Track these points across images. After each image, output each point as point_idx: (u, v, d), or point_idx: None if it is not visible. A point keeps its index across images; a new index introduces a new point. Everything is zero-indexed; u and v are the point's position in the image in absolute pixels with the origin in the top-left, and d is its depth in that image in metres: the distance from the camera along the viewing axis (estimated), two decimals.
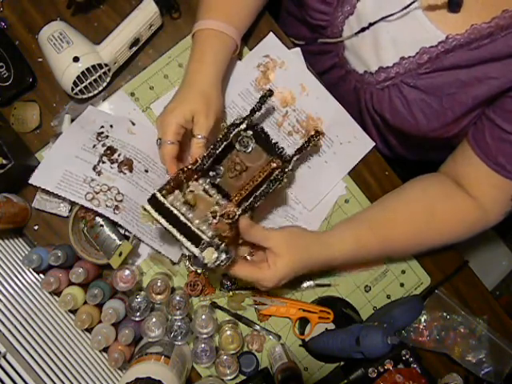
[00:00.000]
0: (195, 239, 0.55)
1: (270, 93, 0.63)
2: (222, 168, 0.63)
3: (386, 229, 0.66)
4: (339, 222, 0.71)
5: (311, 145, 0.64)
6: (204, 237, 0.55)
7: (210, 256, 0.53)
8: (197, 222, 0.56)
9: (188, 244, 0.55)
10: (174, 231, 0.55)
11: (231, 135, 0.60)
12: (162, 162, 0.64)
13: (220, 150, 0.59)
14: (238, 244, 0.63)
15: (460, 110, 0.60)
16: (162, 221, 0.55)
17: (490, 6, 0.54)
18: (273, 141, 0.64)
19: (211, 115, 0.62)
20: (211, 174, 0.62)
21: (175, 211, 0.55)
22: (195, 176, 0.60)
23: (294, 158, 0.62)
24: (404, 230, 0.67)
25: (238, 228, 0.58)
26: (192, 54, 0.65)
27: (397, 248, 0.69)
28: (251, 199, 0.59)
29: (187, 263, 0.72)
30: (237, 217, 0.56)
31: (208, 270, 0.55)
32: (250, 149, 0.63)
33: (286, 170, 0.60)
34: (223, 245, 0.53)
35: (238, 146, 0.63)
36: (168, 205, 0.55)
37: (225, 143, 0.59)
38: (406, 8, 0.57)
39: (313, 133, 0.64)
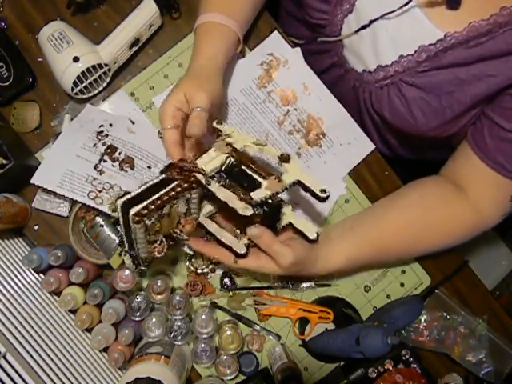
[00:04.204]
0: (130, 243, 0.56)
1: (324, 198, 0.54)
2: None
3: (380, 244, 0.66)
4: (336, 231, 0.68)
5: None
6: (135, 253, 0.57)
7: (128, 262, 0.58)
8: (141, 245, 0.55)
9: (125, 239, 0.56)
10: (122, 230, 0.55)
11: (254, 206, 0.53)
12: (167, 153, 0.62)
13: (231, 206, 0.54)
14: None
15: (459, 109, 0.60)
16: (120, 220, 0.54)
17: (488, 4, 0.54)
18: (276, 223, 0.59)
19: (203, 89, 0.59)
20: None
21: (132, 231, 0.53)
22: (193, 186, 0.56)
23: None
24: (399, 239, 0.67)
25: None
26: (193, 48, 0.65)
27: (392, 257, 0.70)
28: (210, 231, 0.59)
29: (187, 263, 0.72)
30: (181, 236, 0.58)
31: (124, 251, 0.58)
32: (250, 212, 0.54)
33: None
34: (142, 266, 0.58)
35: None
36: (132, 225, 0.52)
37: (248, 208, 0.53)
38: (405, 5, 0.57)
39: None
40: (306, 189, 0.55)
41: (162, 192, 0.53)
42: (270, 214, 0.57)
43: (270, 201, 0.54)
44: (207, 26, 0.64)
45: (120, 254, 0.58)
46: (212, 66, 0.62)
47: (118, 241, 0.66)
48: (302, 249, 0.59)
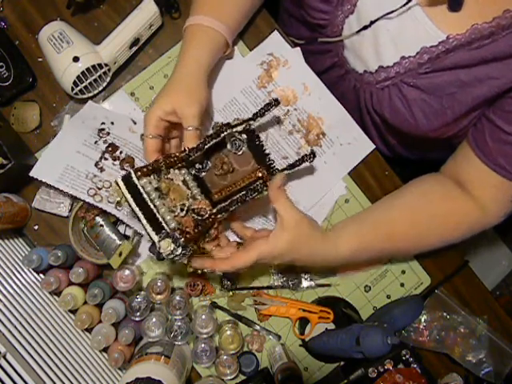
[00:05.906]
0: (158, 227, 0.55)
1: (277, 102, 0.61)
2: (209, 163, 0.62)
3: (389, 229, 0.66)
4: (342, 220, 0.70)
5: (304, 163, 0.62)
6: (166, 227, 0.55)
7: (166, 246, 0.53)
8: (163, 210, 0.56)
9: (149, 229, 0.55)
10: (140, 214, 0.55)
11: (222, 135, 0.58)
12: (144, 157, 0.64)
13: (209, 145, 0.58)
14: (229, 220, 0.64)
15: (460, 110, 0.60)
16: (131, 200, 0.55)
17: (491, 6, 0.53)
18: (266, 151, 0.62)
19: (194, 104, 0.61)
20: (197, 166, 0.62)
21: (144, 195, 0.55)
22: (179, 164, 0.60)
23: (284, 173, 0.60)
24: (405, 231, 0.66)
25: (204, 226, 0.58)
26: (180, 51, 0.65)
27: (397, 249, 0.69)
28: (227, 202, 0.59)
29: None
30: (206, 215, 0.58)
31: (162, 260, 0.55)
32: (240, 152, 0.62)
33: (268, 182, 0.59)
34: (182, 239, 0.53)
35: (229, 146, 0.62)
36: (139, 187, 0.55)
37: (214, 141, 0.58)
38: (406, 4, 0.57)
39: (308, 152, 0.62)
40: (298, 164, 0.62)
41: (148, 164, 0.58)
42: (252, 141, 0.62)
43: (239, 128, 0.60)
44: (194, 28, 0.64)
45: (158, 258, 0.55)
46: (197, 71, 0.63)
47: (118, 241, 0.66)
48: (308, 216, 0.61)
